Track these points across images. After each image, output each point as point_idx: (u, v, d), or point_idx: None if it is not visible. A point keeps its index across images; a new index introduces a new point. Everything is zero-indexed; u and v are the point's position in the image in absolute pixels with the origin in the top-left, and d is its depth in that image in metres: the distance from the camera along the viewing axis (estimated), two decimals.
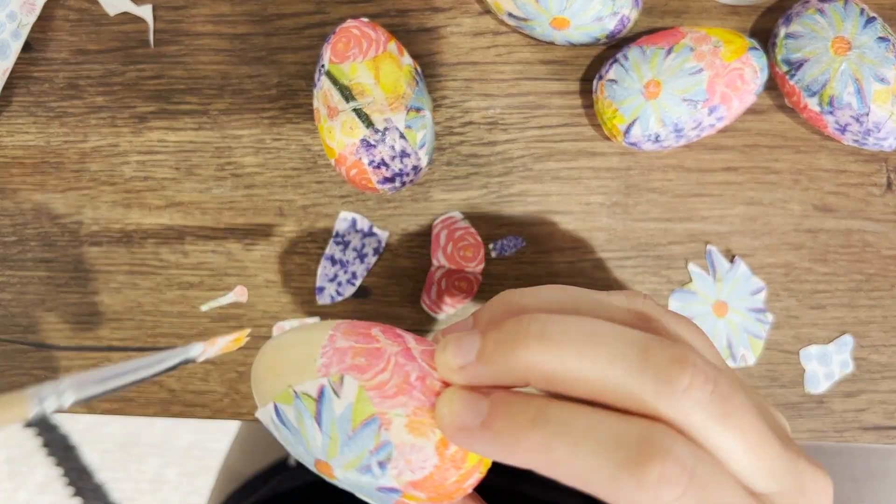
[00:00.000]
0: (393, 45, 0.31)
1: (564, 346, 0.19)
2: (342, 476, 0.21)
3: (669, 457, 0.17)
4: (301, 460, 0.22)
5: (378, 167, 0.31)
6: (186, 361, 0.22)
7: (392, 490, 0.21)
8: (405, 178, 0.32)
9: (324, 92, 0.31)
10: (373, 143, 0.31)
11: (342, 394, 0.21)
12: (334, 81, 0.31)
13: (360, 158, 0.31)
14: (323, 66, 0.31)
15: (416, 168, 0.32)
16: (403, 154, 0.31)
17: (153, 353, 0.21)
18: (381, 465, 0.21)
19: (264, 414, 0.22)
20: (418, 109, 0.31)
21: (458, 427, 0.20)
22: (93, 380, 0.20)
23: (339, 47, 0.31)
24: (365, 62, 0.31)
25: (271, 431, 0.22)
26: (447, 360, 0.20)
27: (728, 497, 0.18)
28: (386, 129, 0.31)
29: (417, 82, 0.32)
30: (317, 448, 0.21)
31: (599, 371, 0.18)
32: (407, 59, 0.32)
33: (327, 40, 0.31)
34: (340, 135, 0.31)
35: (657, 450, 0.17)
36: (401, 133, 0.31)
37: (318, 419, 0.21)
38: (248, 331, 0.23)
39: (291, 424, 0.21)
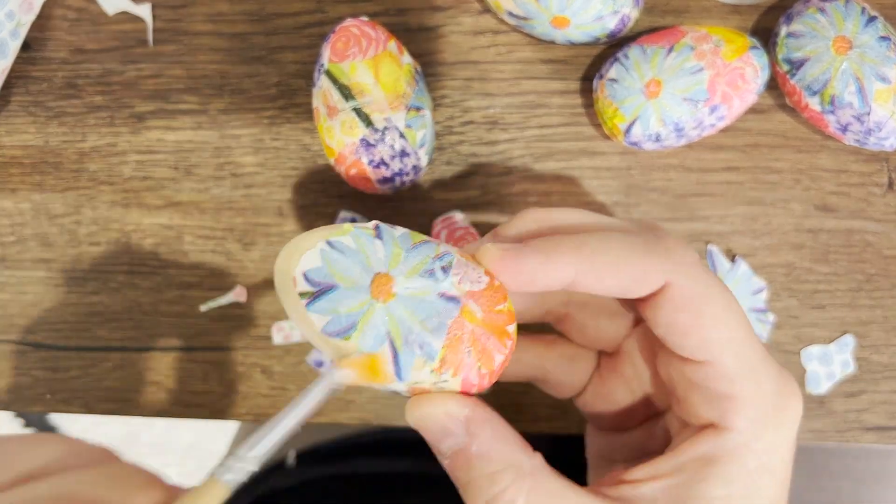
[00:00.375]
0: (393, 44, 0.31)
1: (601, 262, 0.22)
2: (402, 287, 0.21)
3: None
4: (352, 288, 0.21)
5: (378, 167, 0.31)
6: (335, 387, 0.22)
7: (452, 299, 0.21)
8: (405, 178, 0.32)
9: (323, 91, 0.31)
10: (372, 142, 0.31)
11: (398, 229, 0.22)
12: (334, 80, 0.31)
13: (360, 158, 0.31)
14: (322, 65, 0.31)
15: (415, 167, 0.32)
16: (403, 153, 0.31)
17: (306, 392, 0.22)
18: (444, 269, 0.21)
19: (309, 258, 0.21)
20: (418, 109, 0.31)
21: (501, 245, 0.22)
22: (265, 437, 0.21)
23: (339, 46, 0.31)
24: (364, 61, 0.31)
25: (310, 276, 0.21)
26: (490, 247, 0.22)
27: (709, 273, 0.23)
28: (386, 128, 0.31)
29: (417, 81, 0.32)
30: (378, 261, 0.21)
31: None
32: (407, 59, 0.32)
33: (327, 39, 0.31)
34: (340, 134, 0.31)
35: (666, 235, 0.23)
36: (400, 132, 0.31)
37: (378, 237, 0.22)
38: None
39: (348, 248, 0.21)
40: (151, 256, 0.36)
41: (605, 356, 0.27)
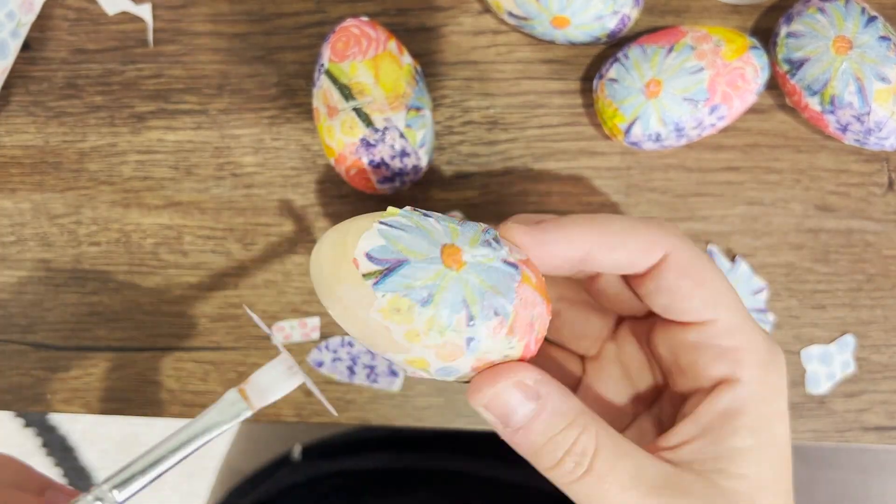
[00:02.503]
0: (393, 44, 0.31)
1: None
2: (471, 256, 0.21)
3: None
4: (424, 260, 0.21)
5: (378, 167, 0.31)
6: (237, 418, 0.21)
7: (513, 265, 0.22)
8: (405, 178, 0.32)
9: (323, 91, 0.31)
10: (372, 142, 0.31)
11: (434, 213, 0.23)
12: (334, 80, 0.31)
13: (360, 158, 0.31)
14: (322, 65, 0.31)
15: (415, 167, 0.32)
16: (403, 153, 0.31)
17: (186, 427, 0.20)
18: (497, 240, 0.22)
19: (368, 238, 0.21)
20: (418, 109, 0.31)
21: (526, 221, 0.24)
22: (134, 474, 0.20)
23: (339, 46, 0.31)
24: (365, 61, 0.31)
25: (374, 254, 0.21)
26: (515, 225, 0.24)
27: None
28: (386, 128, 0.31)
29: (417, 81, 0.32)
30: (440, 234, 0.22)
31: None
32: (407, 59, 0.32)
33: (327, 39, 0.31)
34: (340, 134, 0.31)
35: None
36: (401, 132, 0.31)
37: (429, 216, 0.22)
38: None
39: (407, 225, 0.22)
40: (151, 256, 0.36)
41: (589, 363, 0.29)
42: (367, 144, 0.31)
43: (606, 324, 0.29)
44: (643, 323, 0.28)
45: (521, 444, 0.23)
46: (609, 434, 0.22)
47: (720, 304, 0.24)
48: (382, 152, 0.31)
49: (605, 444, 0.22)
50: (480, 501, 0.42)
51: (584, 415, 0.22)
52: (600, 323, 0.28)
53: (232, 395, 0.20)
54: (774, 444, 0.23)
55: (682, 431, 0.24)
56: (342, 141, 0.31)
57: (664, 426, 0.26)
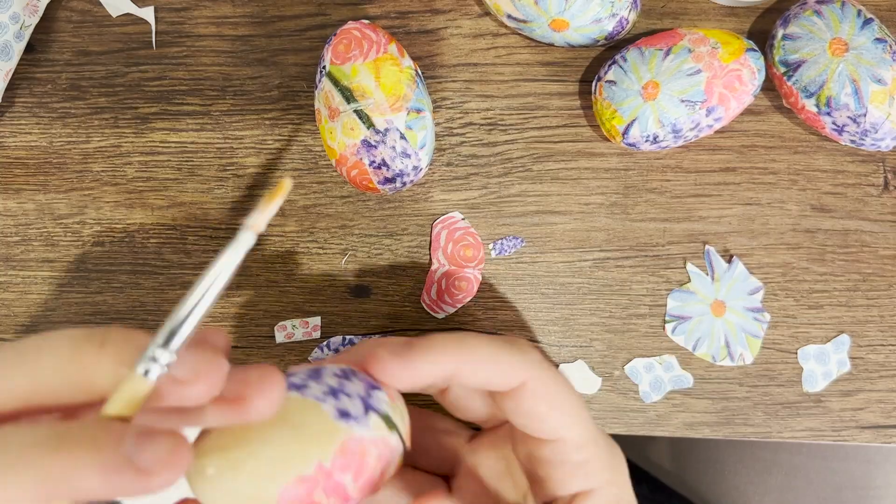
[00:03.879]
0: (393, 47, 0.32)
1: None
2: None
3: None
4: None
5: (379, 167, 0.31)
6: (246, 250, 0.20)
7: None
8: (406, 179, 0.32)
9: (325, 93, 0.31)
10: (373, 143, 0.31)
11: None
12: (335, 83, 0.31)
13: (361, 159, 0.31)
14: (324, 67, 0.31)
15: (416, 168, 0.32)
16: (404, 154, 0.31)
17: (215, 262, 0.19)
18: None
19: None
20: (419, 111, 0.31)
21: (391, 349, 0.26)
22: (179, 325, 0.19)
23: (340, 49, 0.31)
24: (366, 63, 0.31)
25: None
26: (380, 352, 0.25)
27: None
28: (387, 129, 0.31)
29: (417, 84, 0.32)
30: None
31: None
32: (407, 61, 0.32)
33: (328, 42, 0.32)
34: (341, 135, 0.31)
35: None
36: (401, 134, 0.31)
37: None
38: (289, 181, 0.22)
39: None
40: (155, 257, 0.36)
41: (452, 482, 0.31)
42: (368, 146, 0.31)
43: (460, 442, 0.31)
44: (500, 431, 0.30)
45: None
46: None
47: (571, 424, 0.26)
48: (383, 153, 0.31)
49: None
50: None
51: None
52: (486, 403, 0.30)
53: (246, 235, 0.20)
54: None
55: None
56: (343, 142, 0.31)
57: None
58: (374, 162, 0.31)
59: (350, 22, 0.32)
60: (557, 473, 0.27)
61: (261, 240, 0.36)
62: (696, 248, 0.35)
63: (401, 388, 0.25)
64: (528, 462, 0.28)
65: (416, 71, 0.32)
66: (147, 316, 0.36)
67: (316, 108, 0.32)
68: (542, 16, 0.32)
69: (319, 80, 0.32)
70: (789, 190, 0.35)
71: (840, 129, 0.32)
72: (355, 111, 0.31)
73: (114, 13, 0.36)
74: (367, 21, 0.32)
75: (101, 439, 0.17)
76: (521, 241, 0.35)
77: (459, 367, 0.25)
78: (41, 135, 0.36)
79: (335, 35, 0.31)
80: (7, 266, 0.36)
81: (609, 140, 0.34)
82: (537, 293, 0.35)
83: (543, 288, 0.35)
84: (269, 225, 0.35)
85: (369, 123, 0.31)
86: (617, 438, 0.30)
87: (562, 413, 0.26)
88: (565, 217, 0.35)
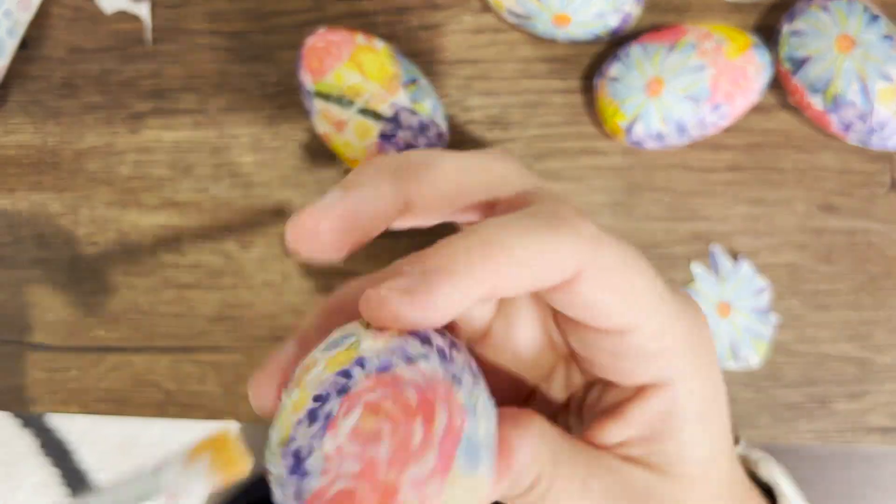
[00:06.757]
0: (360, 37, 0.31)
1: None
2: None
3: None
4: None
5: (405, 150, 0.31)
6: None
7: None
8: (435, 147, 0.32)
9: (322, 113, 0.31)
10: (390, 133, 0.31)
11: None
12: (327, 97, 0.31)
13: (387, 151, 0.31)
14: (308, 91, 0.31)
15: (439, 135, 0.32)
16: (422, 127, 0.31)
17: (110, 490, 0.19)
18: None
19: None
20: (414, 81, 0.31)
21: (394, 285, 0.18)
22: None
23: (315, 65, 0.31)
24: (345, 64, 0.31)
25: None
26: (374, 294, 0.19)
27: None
28: (396, 113, 0.31)
29: (399, 58, 0.32)
30: None
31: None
32: (378, 43, 0.32)
33: (299, 66, 0.31)
34: (357, 141, 0.31)
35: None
36: (410, 110, 0.31)
37: None
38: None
39: None
40: (149, 257, 0.35)
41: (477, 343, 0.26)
42: (386, 138, 0.31)
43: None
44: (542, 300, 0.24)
45: None
46: (567, 448, 0.21)
47: (645, 311, 0.21)
48: (404, 137, 0.31)
49: (563, 461, 0.20)
50: None
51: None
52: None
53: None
54: (716, 417, 0.22)
55: (617, 432, 0.22)
56: (362, 147, 0.31)
57: (574, 396, 0.24)
58: (399, 147, 0.31)
59: (308, 38, 0.31)
60: (622, 364, 0.22)
61: (256, 240, 0.35)
62: (701, 247, 0.34)
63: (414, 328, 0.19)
64: (584, 349, 0.23)
65: (390, 48, 0.32)
66: (141, 317, 0.35)
67: (320, 133, 0.32)
68: (544, 11, 0.31)
69: (311, 106, 0.31)
70: (795, 189, 0.34)
71: (847, 127, 0.31)
72: (359, 111, 0.30)
73: (108, 10, 0.35)
74: (322, 29, 0.31)
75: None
76: None
77: (496, 285, 0.19)
78: (34, 133, 0.35)
79: (301, 58, 0.31)
80: (0, 266, 0.36)
81: (612, 138, 0.34)
82: None
83: None
84: (266, 225, 0.35)
85: (377, 116, 0.30)
86: None
87: (634, 300, 0.21)
88: None
